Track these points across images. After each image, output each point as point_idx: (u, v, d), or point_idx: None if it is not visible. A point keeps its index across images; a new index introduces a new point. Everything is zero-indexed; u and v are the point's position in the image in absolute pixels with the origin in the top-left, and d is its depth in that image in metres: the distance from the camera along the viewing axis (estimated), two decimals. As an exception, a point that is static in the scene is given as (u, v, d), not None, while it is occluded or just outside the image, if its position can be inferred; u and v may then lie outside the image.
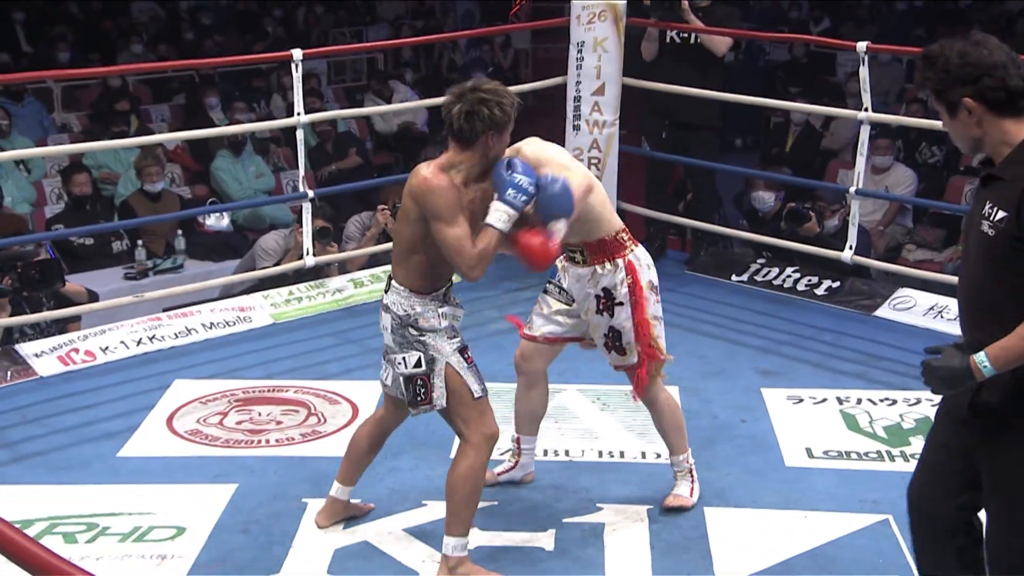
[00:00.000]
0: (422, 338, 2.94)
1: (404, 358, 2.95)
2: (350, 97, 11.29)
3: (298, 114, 4.96)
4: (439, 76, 12.35)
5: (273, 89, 10.29)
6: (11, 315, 4.61)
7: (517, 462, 3.57)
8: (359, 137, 9.79)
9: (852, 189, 5.04)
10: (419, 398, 2.96)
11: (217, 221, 7.00)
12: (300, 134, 5.04)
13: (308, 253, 5.09)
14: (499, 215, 2.86)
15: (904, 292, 5.11)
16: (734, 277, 5.48)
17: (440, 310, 2.95)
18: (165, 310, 5.09)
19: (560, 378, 4.33)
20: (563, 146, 3.51)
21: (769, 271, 5.47)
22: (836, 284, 5.27)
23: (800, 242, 5.32)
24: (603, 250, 3.26)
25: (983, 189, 2.26)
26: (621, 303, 3.26)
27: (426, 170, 2.89)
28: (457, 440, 3.08)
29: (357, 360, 4.60)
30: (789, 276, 5.40)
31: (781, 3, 14.31)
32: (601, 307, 3.29)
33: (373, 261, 5.60)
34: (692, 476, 3.44)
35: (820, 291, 5.27)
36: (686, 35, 5.52)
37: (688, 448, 3.44)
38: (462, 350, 3.00)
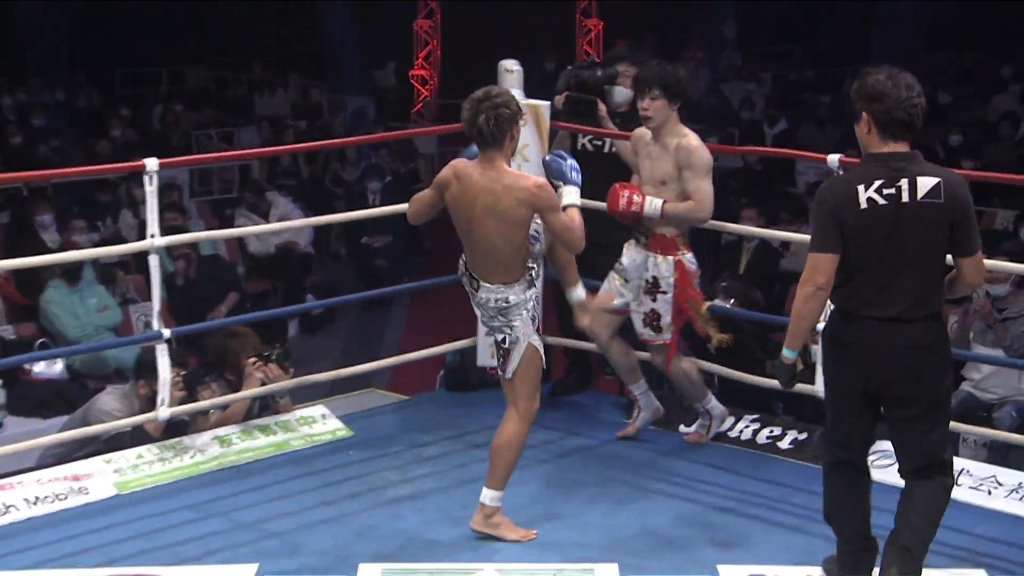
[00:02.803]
0: (512, 323, 4.31)
1: (495, 337, 4.38)
2: (218, 212, 11.34)
3: (152, 235, 4.97)
4: (323, 186, 12.50)
5: (122, 203, 10.30)
6: None
7: (638, 412, 5.34)
8: (227, 260, 9.80)
9: (820, 326, 5.13)
10: (499, 363, 4.40)
11: (48, 367, 6.91)
12: (154, 260, 5.04)
13: (163, 403, 5.03)
14: (574, 194, 4.37)
15: (884, 445, 5.17)
16: (682, 428, 5.53)
17: (528, 292, 4.30)
18: (-23, 481, 4.96)
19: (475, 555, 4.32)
20: None
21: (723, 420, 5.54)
22: (803, 436, 5.37)
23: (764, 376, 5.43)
24: (660, 244, 5.00)
25: None
26: (665, 292, 5.01)
27: (523, 180, 4.23)
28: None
29: (223, 538, 4.52)
30: (747, 427, 5.48)
31: (731, 101, 14.89)
32: (648, 290, 5.04)
33: (246, 415, 5.55)
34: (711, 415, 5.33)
35: (784, 444, 5.35)
36: (600, 142, 5.72)
37: (709, 391, 5.33)
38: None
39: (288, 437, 5.41)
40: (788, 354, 3.86)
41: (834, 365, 3.84)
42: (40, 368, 6.90)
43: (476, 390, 6.00)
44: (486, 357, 5.82)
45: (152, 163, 4.91)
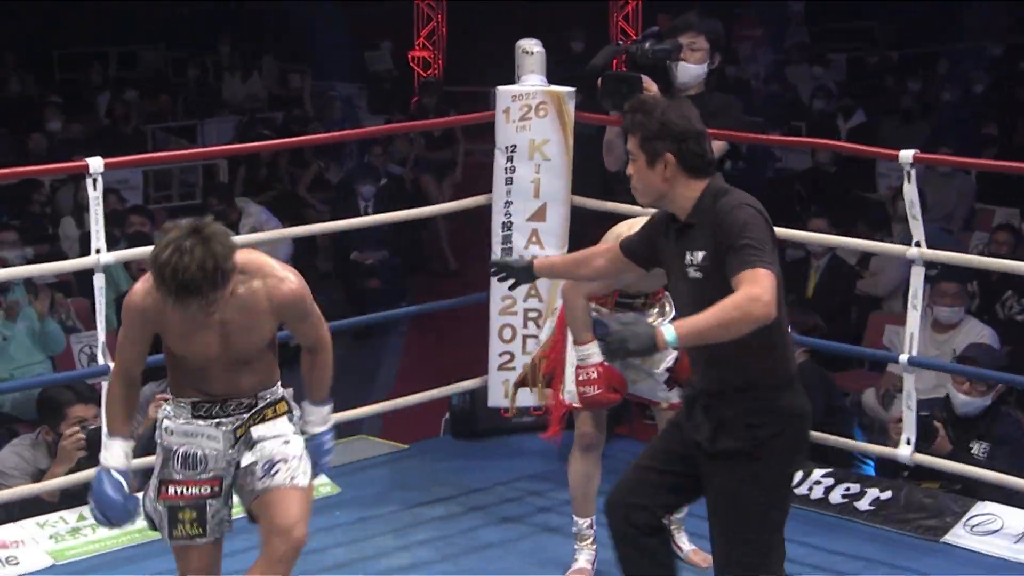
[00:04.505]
0: None
1: None
2: (178, 222, 11.31)
3: (97, 250, 4.98)
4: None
5: (61, 211, 10.32)
6: None
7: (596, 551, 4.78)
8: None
9: (903, 357, 5.13)
10: None
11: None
12: (99, 280, 5.03)
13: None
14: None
15: (985, 508, 5.16)
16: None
17: (167, 424, 3.90)
18: None
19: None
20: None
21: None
22: (887, 495, 5.34)
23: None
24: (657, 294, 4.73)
25: (678, 242, 3.64)
26: None
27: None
28: None
29: (179, 618, 4.50)
30: (818, 483, 5.44)
31: (797, 89, 14.85)
32: None
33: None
34: None
35: (863, 505, 5.32)
36: None
37: None
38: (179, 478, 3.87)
39: (260, 495, 5.38)
40: (670, 339, 3.37)
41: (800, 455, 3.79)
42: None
43: (486, 438, 5.99)
44: (499, 397, 5.80)
45: (96, 163, 4.91)
